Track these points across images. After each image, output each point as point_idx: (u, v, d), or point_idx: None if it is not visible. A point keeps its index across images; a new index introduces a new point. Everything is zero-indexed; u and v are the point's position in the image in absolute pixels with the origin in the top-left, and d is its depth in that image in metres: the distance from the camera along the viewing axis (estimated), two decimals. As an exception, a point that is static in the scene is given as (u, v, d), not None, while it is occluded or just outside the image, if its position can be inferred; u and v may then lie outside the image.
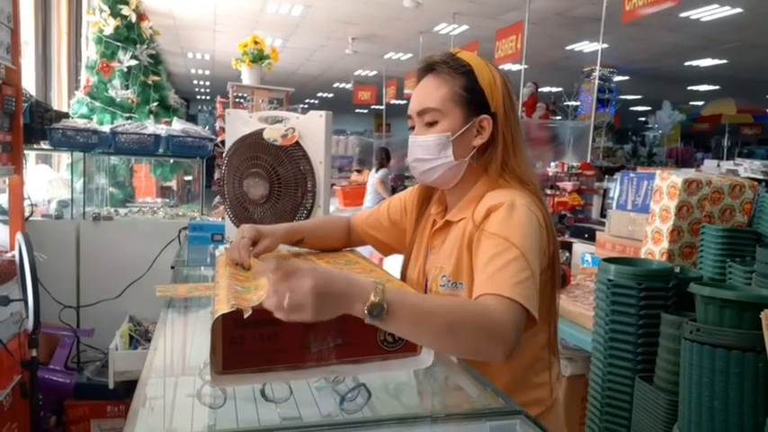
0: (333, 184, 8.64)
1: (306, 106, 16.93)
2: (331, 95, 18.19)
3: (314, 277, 0.73)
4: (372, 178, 7.13)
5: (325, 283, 0.74)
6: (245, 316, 0.72)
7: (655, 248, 1.91)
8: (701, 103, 14.40)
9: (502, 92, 1.07)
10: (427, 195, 1.23)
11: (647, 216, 1.98)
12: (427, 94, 1.09)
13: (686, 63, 10.81)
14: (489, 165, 1.09)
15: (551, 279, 1.08)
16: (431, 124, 1.08)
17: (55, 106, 4.48)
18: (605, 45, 6.54)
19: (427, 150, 1.08)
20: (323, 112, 1.56)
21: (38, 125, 2.90)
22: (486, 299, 0.89)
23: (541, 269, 1.00)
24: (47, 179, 3.51)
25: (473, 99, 1.06)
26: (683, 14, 7.44)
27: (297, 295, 0.72)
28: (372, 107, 16.59)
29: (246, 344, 0.78)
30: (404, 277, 1.23)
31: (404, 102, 14.20)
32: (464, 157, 1.08)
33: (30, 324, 1.97)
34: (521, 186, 1.05)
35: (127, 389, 2.13)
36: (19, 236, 2.09)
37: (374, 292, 0.75)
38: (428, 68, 1.10)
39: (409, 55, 10.99)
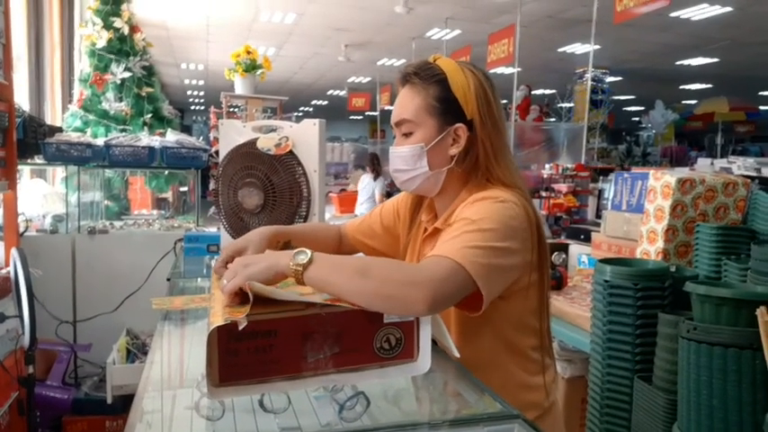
0: (329, 192, 8.63)
1: (300, 114, 16.98)
2: (325, 103, 18.23)
3: (242, 259, 0.88)
4: (365, 184, 7.00)
5: (253, 258, 0.89)
6: (240, 328, 0.72)
7: (650, 248, 1.91)
8: (693, 101, 14.47)
9: (477, 98, 1.05)
10: (419, 201, 1.23)
11: (642, 216, 1.99)
12: (403, 105, 1.10)
13: (678, 62, 10.88)
14: (473, 172, 1.08)
15: (540, 281, 1.07)
16: (407, 135, 1.09)
17: (49, 120, 4.48)
18: (597, 46, 6.58)
19: (404, 161, 1.09)
20: (316, 121, 1.56)
21: (31, 140, 2.90)
22: (424, 259, 0.91)
23: (528, 267, 1.00)
24: (42, 194, 3.50)
25: (446, 108, 1.06)
26: (674, 14, 7.49)
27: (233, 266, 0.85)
28: (367, 113, 16.64)
29: (242, 356, 0.77)
30: None
31: (398, 107, 14.23)
32: (441, 166, 1.08)
33: (26, 340, 1.96)
34: (506, 188, 1.04)
35: (125, 403, 2.11)
36: (14, 252, 2.08)
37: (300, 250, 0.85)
38: (404, 79, 1.11)
39: (402, 60, 11.02)
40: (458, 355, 0.89)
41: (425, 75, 1.07)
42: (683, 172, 2.10)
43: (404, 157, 1.09)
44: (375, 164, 7.02)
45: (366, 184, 6.98)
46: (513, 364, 1.07)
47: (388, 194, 11.24)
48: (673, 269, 1.50)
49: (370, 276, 0.82)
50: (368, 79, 13.29)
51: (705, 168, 3.23)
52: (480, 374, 0.96)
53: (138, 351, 2.20)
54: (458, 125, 1.06)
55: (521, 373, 1.08)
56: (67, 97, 5.07)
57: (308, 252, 0.83)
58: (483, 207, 0.98)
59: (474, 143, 1.06)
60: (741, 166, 2.76)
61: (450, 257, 0.88)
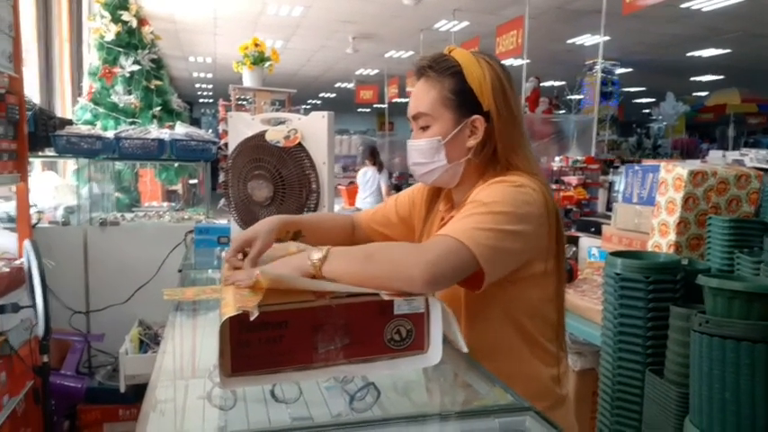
0: (337, 185, 8.59)
1: (308, 107, 16.96)
2: (333, 95, 18.20)
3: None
4: (368, 177, 6.75)
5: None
6: (252, 318, 0.73)
7: (662, 241, 1.90)
8: (704, 93, 14.32)
9: (493, 88, 1.05)
10: (437, 191, 1.23)
11: (653, 209, 1.97)
12: (419, 98, 1.09)
13: (688, 54, 10.75)
14: (490, 163, 1.08)
15: (556, 271, 1.06)
16: (424, 128, 1.09)
17: (58, 113, 4.50)
18: (606, 38, 6.52)
19: (422, 154, 1.09)
20: (325, 113, 1.56)
21: (42, 132, 2.92)
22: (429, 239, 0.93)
23: (544, 254, 1.00)
24: (53, 186, 3.53)
25: (462, 100, 1.05)
26: (684, 5, 7.39)
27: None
28: (375, 106, 16.60)
29: (254, 346, 0.78)
30: None
31: (406, 100, 14.19)
32: (459, 158, 1.08)
33: (40, 330, 1.98)
34: (524, 174, 1.04)
35: (138, 392, 2.13)
36: (27, 243, 2.10)
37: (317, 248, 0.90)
38: (419, 72, 1.10)
39: (410, 53, 10.97)
40: (465, 349, 0.90)
41: (440, 67, 1.07)
42: (695, 164, 2.08)
43: (422, 150, 1.09)
44: (375, 156, 6.87)
45: (370, 177, 6.76)
46: (527, 353, 1.06)
47: (397, 188, 11.21)
48: (685, 262, 1.49)
49: (376, 259, 0.87)
50: (375, 71, 13.25)
51: (717, 160, 3.20)
52: (491, 361, 0.96)
53: (150, 341, 2.22)
54: (475, 117, 1.05)
55: (535, 362, 1.07)
56: (77, 90, 5.09)
57: (323, 248, 0.89)
58: (497, 189, 0.98)
59: (491, 134, 1.06)
60: (753, 158, 2.74)
61: (453, 237, 0.89)
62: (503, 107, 1.05)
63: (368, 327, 0.80)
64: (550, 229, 1.01)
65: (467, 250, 0.88)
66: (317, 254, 0.88)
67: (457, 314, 1.02)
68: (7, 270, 2.11)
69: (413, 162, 1.12)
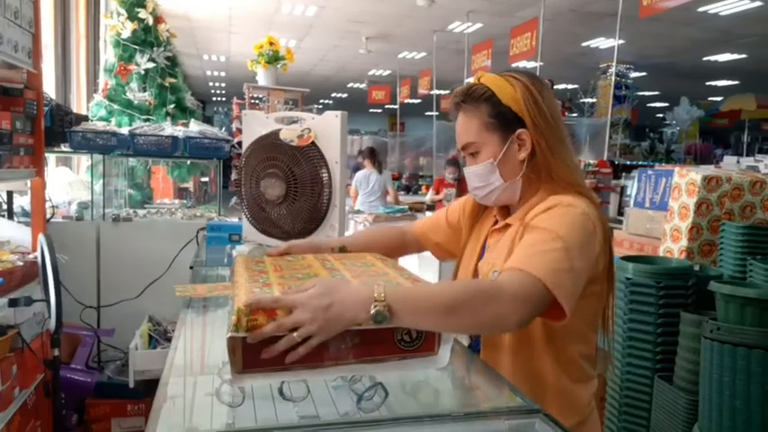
0: (348, 184, 8.54)
1: (320, 107, 17.01)
2: (345, 95, 18.23)
3: (316, 296, 0.78)
4: (372, 181, 6.47)
5: (327, 299, 0.78)
6: (255, 341, 0.75)
7: (673, 246, 1.89)
8: (719, 98, 14.17)
9: (525, 102, 1.09)
10: None
11: (666, 214, 1.96)
12: (463, 130, 1.15)
13: (704, 58, 10.65)
14: (540, 173, 1.11)
15: (601, 292, 1.08)
16: (474, 155, 1.15)
17: (74, 109, 4.55)
18: (622, 41, 6.46)
19: (479, 178, 1.14)
20: (338, 113, 1.56)
21: (58, 128, 2.95)
22: (505, 273, 0.93)
23: (591, 279, 1.01)
24: (67, 181, 3.57)
25: (503, 121, 1.10)
26: (701, 9, 7.33)
27: (302, 325, 0.76)
28: (386, 107, 16.60)
29: (266, 344, 0.78)
30: (456, 274, 1.26)
31: (418, 101, 14.20)
32: (515, 175, 1.12)
33: (52, 324, 2.00)
34: (576, 193, 1.07)
35: (147, 388, 2.15)
36: (41, 237, 2.13)
37: (375, 297, 0.79)
38: (456, 108, 1.16)
39: (423, 54, 10.96)
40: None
41: (473, 97, 1.13)
42: (709, 169, 2.06)
43: (478, 174, 1.14)
44: (375, 157, 6.64)
45: (374, 181, 6.44)
46: (564, 373, 1.08)
47: (407, 188, 11.16)
48: (696, 268, 1.48)
49: (461, 313, 0.84)
50: (388, 72, 13.25)
51: (731, 166, 3.17)
52: (530, 383, 1.00)
53: (159, 337, 2.23)
54: (519, 130, 1.10)
55: (564, 376, 1.08)
56: (92, 87, 5.15)
57: (384, 302, 0.79)
58: (566, 220, 1.00)
59: (534, 145, 1.10)
60: (769, 164, 2.71)
61: (533, 275, 0.90)
62: (538, 116, 1.09)
63: (378, 327, 0.80)
64: (602, 249, 1.04)
65: (547, 291, 0.90)
66: (379, 316, 0.78)
67: (501, 336, 1.08)
68: (21, 264, 2.14)
69: (473, 187, 1.17)
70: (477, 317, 0.86)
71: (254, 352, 0.77)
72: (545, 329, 1.06)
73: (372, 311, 0.78)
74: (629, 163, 7.76)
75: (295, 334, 0.76)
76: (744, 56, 10.33)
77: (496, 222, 1.20)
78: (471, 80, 1.16)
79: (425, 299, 0.84)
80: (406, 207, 6.03)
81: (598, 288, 1.06)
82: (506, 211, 1.20)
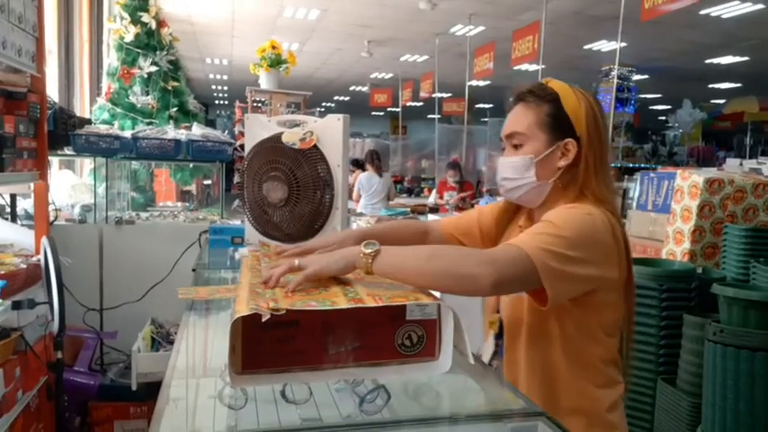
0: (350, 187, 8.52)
1: (323, 110, 17.01)
2: (347, 98, 18.25)
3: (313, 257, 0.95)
4: (373, 184, 6.52)
5: (324, 255, 0.96)
6: (264, 320, 0.73)
7: (676, 249, 1.88)
8: (722, 101, 14.15)
9: (587, 117, 1.11)
10: (517, 208, 1.28)
11: (668, 216, 1.96)
12: (516, 120, 1.16)
13: (707, 61, 10.63)
14: (571, 185, 1.13)
15: (624, 300, 1.09)
16: (517, 147, 1.15)
17: (77, 113, 4.57)
18: (624, 44, 6.47)
19: (514, 170, 1.15)
20: (340, 116, 1.57)
21: (62, 131, 2.96)
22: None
23: (604, 287, 1.03)
24: (70, 184, 3.58)
25: (558, 124, 1.12)
26: (704, 11, 7.32)
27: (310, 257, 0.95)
28: (388, 109, 16.62)
29: (266, 344, 0.78)
30: None
31: (420, 104, 14.20)
32: (548, 178, 1.13)
33: (55, 327, 2.01)
34: (597, 203, 1.08)
35: (149, 390, 2.15)
36: (44, 240, 2.13)
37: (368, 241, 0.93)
38: (518, 98, 1.17)
39: (425, 57, 10.97)
40: (472, 361, 0.90)
41: (539, 93, 1.15)
42: (712, 172, 2.06)
43: (514, 166, 1.15)
44: (376, 160, 6.67)
45: (376, 183, 6.49)
46: (576, 368, 1.09)
47: (409, 191, 11.16)
48: (699, 270, 1.47)
49: (442, 257, 0.91)
50: (390, 75, 13.27)
51: (734, 169, 3.16)
52: (544, 380, 1.03)
53: (162, 340, 2.23)
54: (568, 140, 1.12)
55: (583, 379, 1.09)
56: (96, 90, 5.16)
57: (377, 243, 0.93)
58: (569, 214, 1.03)
59: (578, 159, 1.12)
60: (772, 167, 2.70)
61: (521, 248, 0.94)
62: (594, 135, 1.12)
63: (379, 331, 0.80)
64: (619, 259, 1.05)
65: (531, 264, 0.93)
66: (369, 247, 0.91)
67: (517, 333, 1.12)
68: (25, 266, 2.15)
69: (502, 177, 1.18)
70: (455, 265, 0.90)
71: (253, 353, 0.77)
72: (560, 327, 1.08)
73: (363, 243, 0.92)
74: (631, 166, 7.74)
75: (296, 261, 0.91)
76: (746, 58, 10.31)
77: (520, 230, 1.20)
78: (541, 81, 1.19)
79: (413, 248, 0.96)
80: (408, 209, 6.04)
81: (614, 297, 1.07)
82: (531, 223, 1.21)
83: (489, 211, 1.33)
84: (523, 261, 0.93)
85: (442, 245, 1.11)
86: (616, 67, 6.55)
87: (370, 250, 0.91)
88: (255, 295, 0.83)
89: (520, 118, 1.15)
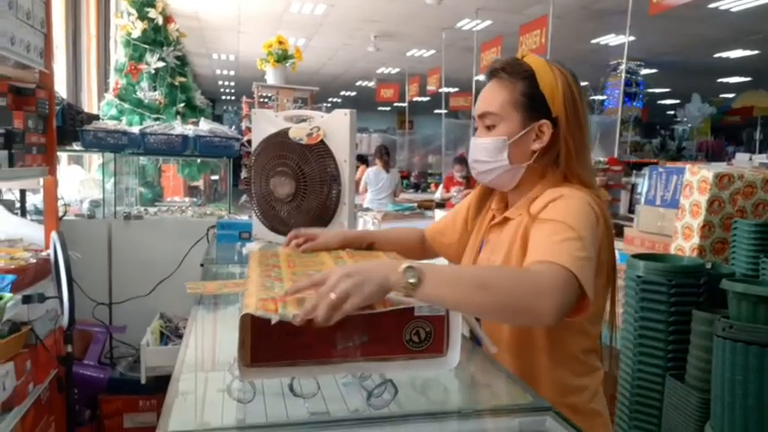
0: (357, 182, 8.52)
1: (329, 105, 17.01)
2: (354, 94, 18.23)
3: (341, 268, 0.79)
4: (381, 179, 6.57)
5: (355, 268, 0.79)
6: (273, 323, 0.74)
7: (685, 244, 1.87)
8: (731, 95, 14.03)
9: (564, 95, 1.06)
10: (488, 192, 1.24)
11: (677, 211, 1.94)
12: (488, 98, 1.11)
13: (716, 55, 10.54)
14: (550, 168, 1.08)
15: (605, 284, 1.06)
16: (490, 128, 1.10)
17: (85, 108, 4.59)
18: (632, 38, 6.41)
19: (485, 152, 1.10)
20: (347, 111, 1.56)
21: (70, 127, 2.98)
22: (534, 264, 0.88)
23: (600, 270, 1.00)
24: (79, 179, 3.60)
25: (533, 104, 1.07)
26: (712, 5, 7.26)
27: (336, 288, 0.76)
28: (395, 104, 16.60)
29: (274, 338, 0.79)
30: None
31: (427, 99, 14.16)
32: (521, 161, 1.09)
33: (65, 321, 2.03)
34: (582, 188, 1.05)
35: (158, 384, 2.17)
36: (54, 235, 2.15)
37: (403, 264, 0.80)
38: (491, 74, 1.11)
39: (432, 51, 10.94)
40: (495, 350, 0.89)
41: (514, 70, 1.09)
42: (721, 167, 2.05)
43: (486, 148, 1.10)
44: (385, 155, 6.71)
45: (384, 179, 6.55)
46: (560, 361, 1.06)
47: (415, 186, 11.14)
48: (708, 266, 1.47)
49: (494, 290, 0.81)
50: (397, 70, 13.24)
51: (743, 164, 3.13)
52: (524, 369, 0.99)
53: (170, 334, 2.25)
54: (543, 121, 1.07)
55: (566, 372, 1.06)
56: (103, 86, 5.19)
57: (415, 267, 0.80)
58: (575, 208, 0.98)
59: (556, 140, 1.07)
60: (782, 161, 2.68)
61: (566, 267, 0.87)
62: (572, 115, 1.06)
63: (387, 326, 0.80)
64: (608, 243, 1.03)
65: (576, 280, 0.87)
66: (410, 273, 0.78)
67: (498, 331, 1.06)
68: (34, 261, 2.16)
69: (474, 159, 1.13)
70: (510, 295, 0.81)
71: (262, 346, 0.78)
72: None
73: (401, 268, 0.78)
74: (635, 161, 7.70)
75: (332, 295, 0.74)
76: (756, 52, 10.22)
77: (494, 218, 1.17)
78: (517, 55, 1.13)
79: (456, 270, 0.86)
80: (415, 205, 6.04)
81: (601, 283, 1.03)
82: (504, 206, 1.17)
83: (465, 202, 1.30)
84: (572, 280, 0.86)
85: (491, 268, 0.97)
86: (624, 61, 6.50)
87: (413, 277, 0.79)
88: (264, 289, 0.83)
89: (493, 96, 1.09)
